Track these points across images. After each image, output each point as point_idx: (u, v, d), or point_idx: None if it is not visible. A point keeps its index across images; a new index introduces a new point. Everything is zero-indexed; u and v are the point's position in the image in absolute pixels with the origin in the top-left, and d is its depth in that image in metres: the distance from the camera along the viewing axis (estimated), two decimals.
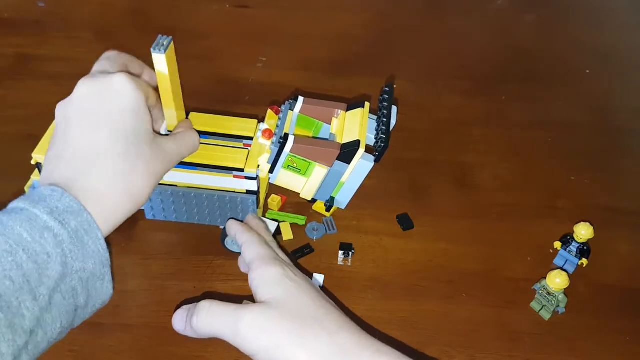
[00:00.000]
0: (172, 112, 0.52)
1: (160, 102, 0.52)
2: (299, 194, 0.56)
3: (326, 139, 0.56)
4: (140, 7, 0.96)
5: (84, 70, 0.83)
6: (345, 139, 0.54)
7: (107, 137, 0.45)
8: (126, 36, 0.91)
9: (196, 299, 0.59)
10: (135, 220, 0.64)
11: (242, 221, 0.60)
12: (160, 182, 0.55)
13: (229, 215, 0.59)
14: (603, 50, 0.93)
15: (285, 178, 0.55)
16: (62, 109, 0.47)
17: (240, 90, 0.81)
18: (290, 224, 0.65)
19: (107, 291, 0.44)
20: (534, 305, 0.60)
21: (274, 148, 0.54)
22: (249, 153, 0.56)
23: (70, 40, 0.89)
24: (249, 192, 0.57)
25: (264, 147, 0.56)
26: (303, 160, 0.53)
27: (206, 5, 0.96)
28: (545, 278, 0.58)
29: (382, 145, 0.53)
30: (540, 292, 0.59)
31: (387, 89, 0.56)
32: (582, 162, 0.75)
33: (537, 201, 0.70)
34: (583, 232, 0.61)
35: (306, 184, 0.55)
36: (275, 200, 0.65)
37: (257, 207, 0.59)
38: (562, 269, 0.61)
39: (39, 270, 0.39)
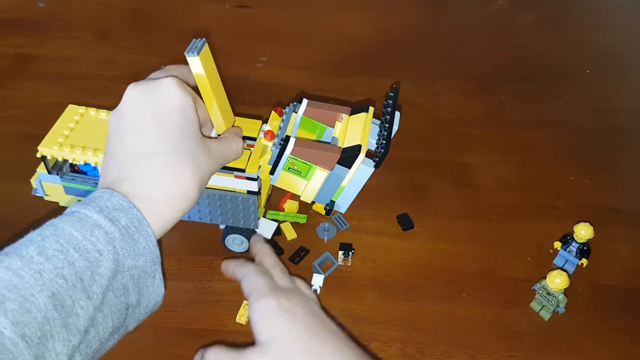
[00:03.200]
0: (218, 115, 0.52)
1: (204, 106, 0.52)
2: (299, 196, 0.56)
3: (328, 143, 0.56)
4: (140, 7, 0.96)
5: (84, 71, 0.84)
6: (347, 143, 0.54)
7: (154, 138, 0.45)
8: (126, 36, 0.91)
9: (196, 299, 0.59)
10: None
11: (241, 222, 0.60)
12: None
13: (229, 215, 0.59)
14: (603, 50, 0.93)
15: (285, 180, 0.55)
16: (114, 115, 0.47)
17: (240, 90, 0.81)
18: (291, 223, 0.66)
19: (158, 290, 0.44)
20: (534, 305, 0.60)
21: (274, 150, 0.54)
22: (250, 153, 0.56)
23: (70, 40, 0.89)
24: (249, 192, 0.57)
25: (266, 148, 0.56)
26: (304, 163, 0.53)
27: (206, 5, 0.96)
28: (545, 278, 0.58)
29: (382, 151, 0.53)
30: (540, 292, 0.59)
31: (392, 94, 0.56)
32: (582, 162, 0.75)
33: (537, 201, 0.70)
34: (583, 232, 0.61)
35: (306, 186, 0.55)
36: (293, 205, 0.66)
37: (258, 208, 0.59)
38: (562, 269, 0.61)
39: (91, 268, 0.39)
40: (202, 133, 0.49)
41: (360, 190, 0.57)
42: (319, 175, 0.53)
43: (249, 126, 0.58)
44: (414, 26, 0.96)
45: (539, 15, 1.00)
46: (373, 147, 0.56)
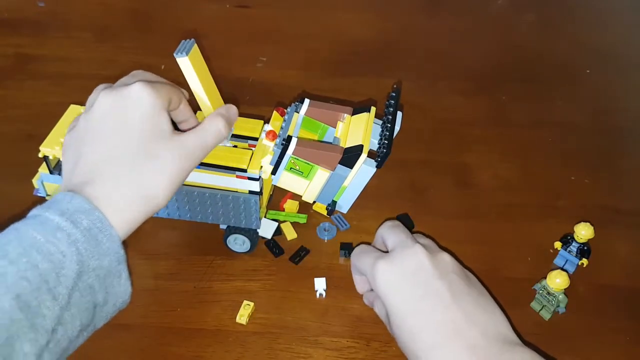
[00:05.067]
0: (206, 108, 0.53)
1: (187, 103, 0.52)
2: (301, 196, 0.56)
3: (330, 143, 0.57)
4: (140, 7, 0.96)
5: (84, 70, 0.84)
6: (349, 143, 0.54)
7: (120, 142, 0.45)
8: (126, 36, 0.91)
9: (196, 299, 0.59)
10: None
11: (243, 222, 0.60)
12: None
13: (231, 215, 0.60)
14: (603, 50, 0.93)
15: (287, 180, 0.55)
16: (83, 121, 0.48)
17: (240, 90, 0.81)
18: (291, 223, 0.66)
19: (125, 289, 0.44)
20: (534, 305, 0.60)
21: (276, 150, 0.54)
22: (252, 154, 0.56)
23: (70, 40, 0.89)
24: (251, 192, 0.57)
25: (267, 148, 0.56)
26: (305, 163, 0.53)
27: (206, 5, 0.96)
28: (545, 278, 0.58)
29: (384, 151, 0.53)
30: (541, 292, 0.59)
31: (394, 94, 0.56)
32: (582, 162, 0.75)
33: (537, 201, 0.70)
34: (583, 232, 0.61)
35: (308, 186, 0.55)
36: (293, 205, 0.66)
37: (260, 208, 0.59)
38: (562, 269, 0.61)
39: (55, 269, 0.39)
40: (179, 129, 0.49)
41: (362, 191, 0.57)
42: (321, 175, 0.54)
43: (251, 126, 0.59)
44: (415, 26, 0.96)
45: (539, 15, 1.00)
46: (375, 147, 0.56)
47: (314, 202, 0.58)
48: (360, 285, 0.57)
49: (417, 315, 0.46)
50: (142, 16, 0.95)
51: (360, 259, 0.52)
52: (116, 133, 0.46)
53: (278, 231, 0.65)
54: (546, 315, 0.59)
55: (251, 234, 0.61)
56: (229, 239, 0.62)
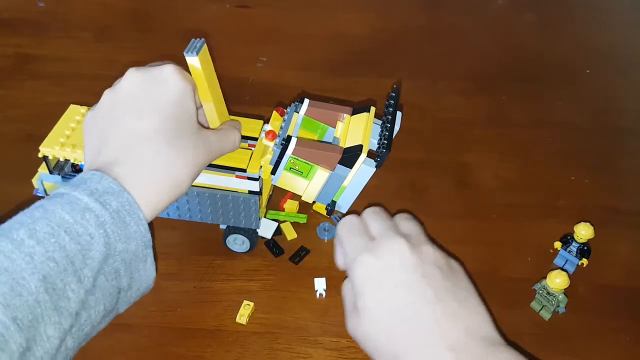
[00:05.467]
0: (214, 115, 0.53)
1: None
2: (300, 196, 0.56)
3: (329, 143, 0.57)
4: (140, 7, 0.96)
5: (84, 70, 0.84)
6: (349, 143, 0.54)
7: (154, 123, 0.45)
8: (126, 36, 0.91)
9: (196, 299, 0.59)
10: None
11: (242, 222, 0.60)
12: None
13: (230, 215, 0.60)
14: (603, 51, 0.93)
15: (287, 180, 0.55)
16: (110, 95, 0.47)
17: (240, 90, 0.81)
18: (291, 223, 0.66)
19: (150, 274, 0.44)
20: (534, 305, 0.60)
21: (276, 149, 0.54)
22: (252, 154, 0.56)
23: (70, 40, 0.89)
24: (251, 192, 0.57)
25: (267, 148, 0.56)
26: (305, 162, 0.53)
27: (206, 5, 0.96)
28: (545, 278, 0.58)
29: (384, 150, 0.53)
30: (541, 292, 0.59)
31: (393, 94, 0.56)
32: (582, 162, 0.75)
33: (537, 201, 0.70)
34: (583, 232, 0.61)
35: (308, 186, 0.55)
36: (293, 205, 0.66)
37: (259, 208, 0.59)
38: (562, 269, 0.61)
39: (82, 251, 0.39)
40: (199, 123, 0.49)
41: (362, 191, 0.57)
42: (321, 175, 0.54)
43: (250, 126, 0.59)
44: (414, 26, 0.96)
45: (539, 15, 1.00)
46: (374, 147, 0.56)
47: (314, 202, 0.58)
48: (342, 261, 0.49)
49: (397, 312, 0.42)
50: (142, 16, 0.95)
51: (348, 239, 0.46)
52: (149, 112, 0.45)
53: (278, 231, 0.65)
54: (546, 315, 0.59)
55: (251, 234, 0.61)
56: (228, 238, 0.62)
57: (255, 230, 0.61)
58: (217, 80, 0.52)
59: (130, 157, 0.44)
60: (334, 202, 0.56)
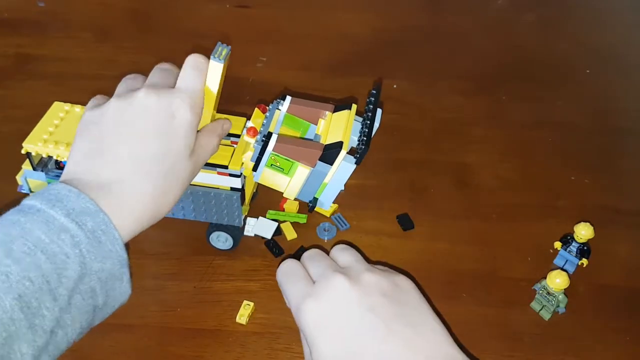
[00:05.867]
0: (208, 116, 0.53)
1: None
2: (282, 193, 0.56)
3: (311, 140, 0.57)
4: (140, 7, 0.96)
5: (84, 70, 0.84)
6: (329, 140, 0.54)
7: (154, 151, 0.45)
8: (126, 36, 0.91)
9: (196, 299, 0.59)
10: None
11: (225, 219, 0.60)
12: None
13: (214, 212, 0.60)
14: (603, 50, 0.93)
15: (268, 177, 0.55)
16: (119, 104, 0.46)
17: (240, 90, 0.81)
18: (291, 223, 0.66)
19: (125, 291, 0.44)
20: (534, 305, 0.60)
21: (257, 146, 0.54)
22: (234, 150, 0.56)
23: (70, 40, 0.89)
24: (233, 189, 0.57)
25: (249, 145, 0.56)
26: (286, 159, 0.53)
27: (206, 5, 0.96)
28: (545, 278, 0.58)
29: (363, 147, 0.53)
30: (540, 292, 0.59)
31: (374, 91, 0.57)
32: (582, 162, 0.75)
33: (537, 201, 0.70)
34: (583, 232, 0.61)
35: (289, 183, 0.55)
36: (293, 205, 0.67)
37: (242, 205, 0.59)
38: (562, 269, 0.61)
39: (58, 270, 0.39)
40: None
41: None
42: (302, 172, 0.54)
43: (234, 123, 0.59)
44: (414, 26, 0.96)
45: (539, 15, 1.00)
46: (355, 144, 0.56)
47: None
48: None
49: (354, 356, 0.39)
50: (142, 16, 0.95)
51: (288, 286, 0.43)
52: (152, 139, 0.45)
53: (278, 231, 0.65)
54: (546, 315, 0.59)
55: (234, 231, 0.61)
56: (211, 236, 0.62)
57: (238, 227, 0.61)
58: (222, 84, 0.53)
59: (120, 182, 0.44)
60: (315, 199, 0.56)
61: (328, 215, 0.67)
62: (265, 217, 0.66)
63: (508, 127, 0.80)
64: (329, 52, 0.89)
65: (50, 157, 0.58)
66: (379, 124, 0.57)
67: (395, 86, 0.84)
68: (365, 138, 0.54)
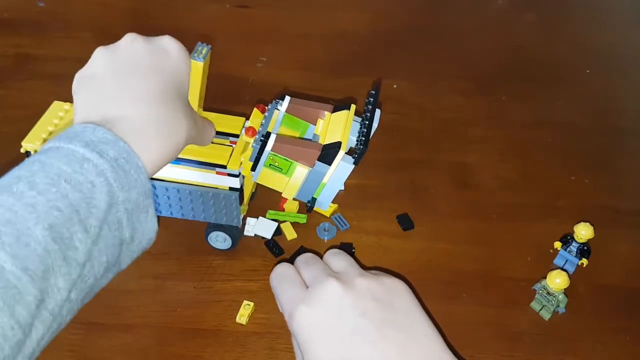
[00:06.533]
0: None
1: None
2: (281, 193, 0.56)
3: (309, 140, 0.57)
4: (140, 7, 0.96)
5: None
6: (328, 141, 0.54)
7: (158, 85, 0.45)
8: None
9: (196, 299, 0.59)
10: None
11: (224, 219, 0.60)
12: None
13: (212, 212, 0.60)
14: (603, 50, 0.93)
15: (267, 176, 0.55)
16: (107, 54, 0.47)
17: (240, 90, 0.81)
18: (291, 223, 0.66)
19: (151, 225, 0.43)
20: (534, 305, 0.60)
21: (255, 146, 0.54)
22: (232, 150, 0.57)
23: (70, 40, 0.89)
24: (231, 189, 0.57)
25: (247, 145, 0.56)
26: (284, 159, 0.53)
27: (206, 5, 0.96)
28: (545, 278, 0.58)
29: (362, 147, 0.53)
30: (540, 292, 0.59)
31: (373, 91, 0.57)
32: (582, 162, 0.75)
33: (537, 201, 0.70)
34: (583, 232, 0.61)
35: (288, 183, 0.55)
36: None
37: (241, 205, 0.59)
38: (562, 269, 0.61)
39: (86, 199, 0.38)
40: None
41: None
42: (300, 171, 0.54)
43: (232, 123, 0.59)
44: (414, 26, 0.96)
45: (539, 15, 1.00)
46: (354, 144, 0.56)
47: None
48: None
49: None
50: (142, 16, 0.95)
51: (282, 291, 0.43)
52: (153, 75, 0.46)
53: (278, 231, 0.65)
54: (546, 315, 0.59)
55: (232, 231, 0.61)
56: (210, 235, 0.62)
57: (237, 227, 0.61)
58: (205, 83, 0.53)
59: (134, 113, 0.44)
60: (314, 199, 0.56)
61: (328, 215, 0.67)
62: (265, 217, 0.66)
63: (508, 127, 0.80)
64: (329, 52, 0.89)
65: None
66: (378, 125, 0.57)
67: (395, 86, 0.84)
68: (363, 138, 0.54)
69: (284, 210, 0.67)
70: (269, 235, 0.64)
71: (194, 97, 0.52)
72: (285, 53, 0.89)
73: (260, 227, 0.64)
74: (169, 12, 0.95)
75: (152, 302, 0.59)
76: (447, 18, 0.98)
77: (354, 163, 0.53)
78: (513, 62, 0.90)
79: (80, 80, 0.47)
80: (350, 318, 0.39)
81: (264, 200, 0.67)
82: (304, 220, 0.66)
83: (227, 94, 0.81)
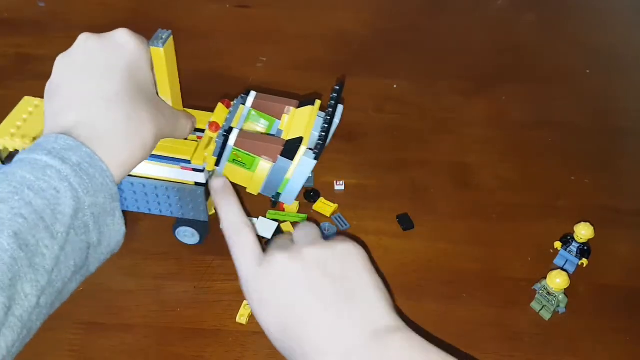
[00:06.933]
0: (167, 101, 0.53)
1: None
2: (246, 188, 0.56)
3: (273, 135, 0.57)
4: (140, 7, 0.96)
5: None
6: (291, 136, 0.54)
7: (115, 86, 0.45)
8: None
9: (196, 299, 0.59)
10: (135, 220, 0.64)
11: (191, 213, 0.60)
12: None
13: (179, 207, 0.60)
14: (603, 50, 0.93)
15: (232, 172, 0.55)
16: (64, 60, 0.47)
17: (240, 90, 0.81)
18: (292, 223, 0.66)
19: (119, 229, 0.43)
20: (534, 305, 0.60)
21: (218, 141, 0.54)
22: (197, 145, 0.56)
23: (70, 40, 0.88)
24: (197, 184, 0.57)
25: (212, 139, 0.56)
26: (247, 154, 0.53)
27: (206, 5, 0.96)
28: (545, 278, 0.58)
29: (321, 143, 0.53)
30: (541, 292, 0.59)
31: (337, 87, 0.57)
32: (582, 162, 0.75)
33: (537, 201, 0.70)
34: (583, 232, 0.61)
35: (252, 178, 0.55)
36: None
37: (207, 200, 0.59)
38: (562, 269, 0.61)
39: (51, 206, 0.38)
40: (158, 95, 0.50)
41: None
42: (263, 166, 0.54)
43: (200, 118, 0.59)
44: (414, 26, 0.96)
45: (538, 15, 1.00)
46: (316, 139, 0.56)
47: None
48: None
49: (289, 330, 0.40)
50: (142, 16, 0.95)
51: (238, 253, 0.46)
52: (108, 75, 0.45)
53: (278, 231, 0.65)
54: (546, 315, 0.59)
55: (199, 226, 0.61)
56: (178, 230, 0.62)
57: (204, 222, 0.61)
58: (177, 74, 0.52)
59: (94, 118, 0.43)
60: (278, 194, 0.56)
61: (328, 215, 0.67)
62: (265, 217, 0.66)
63: (508, 127, 0.80)
64: (329, 52, 0.89)
65: (17, 151, 0.57)
66: (340, 120, 0.57)
67: (395, 86, 0.84)
68: (323, 134, 0.54)
69: (284, 210, 0.67)
70: (269, 235, 0.64)
71: (164, 88, 0.51)
72: (285, 53, 0.89)
73: (260, 227, 0.64)
74: (168, 12, 0.95)
75: (152, 302, 0.59)
76: (447, 18, 0.98)
77: (314, 158, 0.53)
78: (513, 62, 0.90)
79: (46, 93, 0.48)
80: (296, 289, 0.41)
81: (264, 200, 0.67)
82: (304, 220, 0.66)
83: (227, 94, 0.81)
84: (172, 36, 0.50)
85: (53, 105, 0.46)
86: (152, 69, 0.49)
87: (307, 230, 0.45)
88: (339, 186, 0.69)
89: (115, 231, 0.43)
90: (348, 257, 0.42)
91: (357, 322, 0.39)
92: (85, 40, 0.47)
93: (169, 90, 0.51)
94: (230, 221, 0.48)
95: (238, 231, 0.47)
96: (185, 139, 0.55)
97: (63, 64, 0.47)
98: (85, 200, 0.40)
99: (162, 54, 0.48)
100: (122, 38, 0.47)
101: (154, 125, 0.46)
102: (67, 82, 0.46)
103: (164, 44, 0.48)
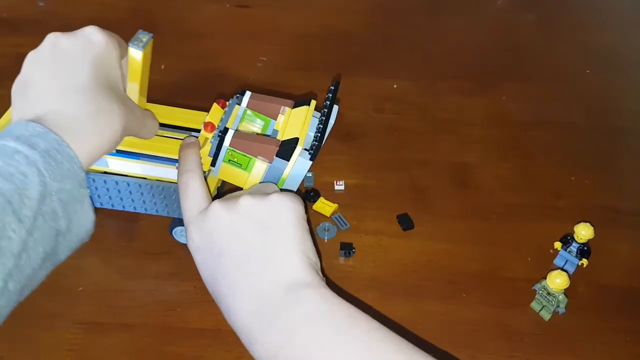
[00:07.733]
0: (135, 100, 0.53)
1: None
2: (242, 188, 0.56)
3: (268, 135, 0.57)
4: (140, 7, 0.96)
5: None
6: (286, 136, 0.55)
7: (84, 79, 0.45)
8: (126, 36, 0.90)
9: (196, 299, 0.59)
10: (135, 219, 0.64)
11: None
12: (106, 171, 0.57)
13: (174, 207, 0.60)
14: (603, 50, 0.93)
15: (227, 172, 0.55)
16: (33, 57, 0.47)
17: (240, 90, 0.81)
18: None
19: (88, 216, 0.44)
20: (534, 305, 0.60)
21: (213, 141, 0.54)
22: None
23: None
24: None
25: (208, 140, 0.56)
26: (243, 155, 0.53)
27: (206, 5, 0.96)
28: (545, 278, 0.58)
29: (316, 143, 0.53)
30: (541, 292, 0.59)
31: (332, 87, 0.57)
32: (582, 162, 0.75)
33: (537, 201, 0.70)
34: (583, 232, 0.61)
35: (248, 178, 0.55)
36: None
37: None
38: (562, 269, 0.61)
39: (18, 190, 0.38)
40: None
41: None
42: (259, 167, 0.54)
43: (195, 118, 0.59)
44: (414, 26, 0.96)
45: (539, 15, 0.99)
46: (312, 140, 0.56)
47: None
48: None
49: (214, 280, 0.44)
50: (142, 16, 0.95)
51: (182, 206, 0.49)
52: (77, 69, 0.46)
53: None
54: (546, 315, 0.59)
55: None
56: (175, 230, 0.62)
57: None
58: (148, 76, 0.52)
59: (63, 106, 0.44)
60: None
61: (328, 215, 0.67)
62: None
63: (508, 127, 0.80)
64: (329, 52, 0.89)
65: None
66: (335, 121, 0.57)
67: (395, 86, 0.84)
68: (319, 134, 0.54)
69: None
70: None
71: (133, 89, 0.51)
72: (285, 53, 0.89)
73: None
74: (169, 12, 0.95)
75: (152, 302, 0.59)
76: (447, 18, 0.98)
77: (310, 159, 0.53)
78: (513, 62, 0.90)
79: (15, 90, 0.48)
80: (224, 239, 0.44)
81: None
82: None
83: (227, 94, 0.81)
84: (152, 40, 0.50)
85: (22, 100, 0.46)
86: (122, 66, 0.50)
87: (263, 185, 0.49)
88: (339, 186, 0.70)
89: (85, 219, 0.43)
90: (279, 208, 0.45)
91: (272, 278, 0.42)
92: (54, 38, 0.47)
93: (137, 90, 0.51)
94: (182, 170, 0.51)
95: (187, 179, 0.50)
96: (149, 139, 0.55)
97: (32, 60, 0.47)
98: (52, 186, 0.40)
99: (141, 57, 0.49)
100: (92, 34, 0.47)
101: (124, 119, 0.47)
102: (38, 77, 0.46)
103: (144, 47, 0.49)
